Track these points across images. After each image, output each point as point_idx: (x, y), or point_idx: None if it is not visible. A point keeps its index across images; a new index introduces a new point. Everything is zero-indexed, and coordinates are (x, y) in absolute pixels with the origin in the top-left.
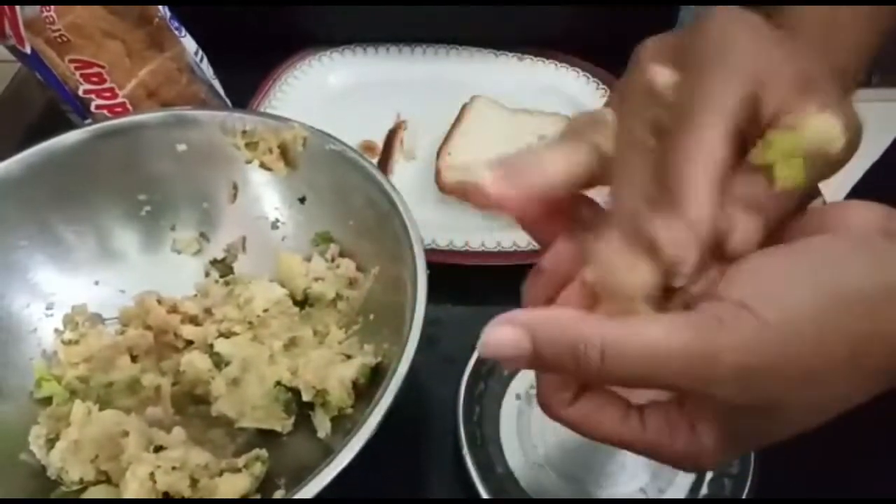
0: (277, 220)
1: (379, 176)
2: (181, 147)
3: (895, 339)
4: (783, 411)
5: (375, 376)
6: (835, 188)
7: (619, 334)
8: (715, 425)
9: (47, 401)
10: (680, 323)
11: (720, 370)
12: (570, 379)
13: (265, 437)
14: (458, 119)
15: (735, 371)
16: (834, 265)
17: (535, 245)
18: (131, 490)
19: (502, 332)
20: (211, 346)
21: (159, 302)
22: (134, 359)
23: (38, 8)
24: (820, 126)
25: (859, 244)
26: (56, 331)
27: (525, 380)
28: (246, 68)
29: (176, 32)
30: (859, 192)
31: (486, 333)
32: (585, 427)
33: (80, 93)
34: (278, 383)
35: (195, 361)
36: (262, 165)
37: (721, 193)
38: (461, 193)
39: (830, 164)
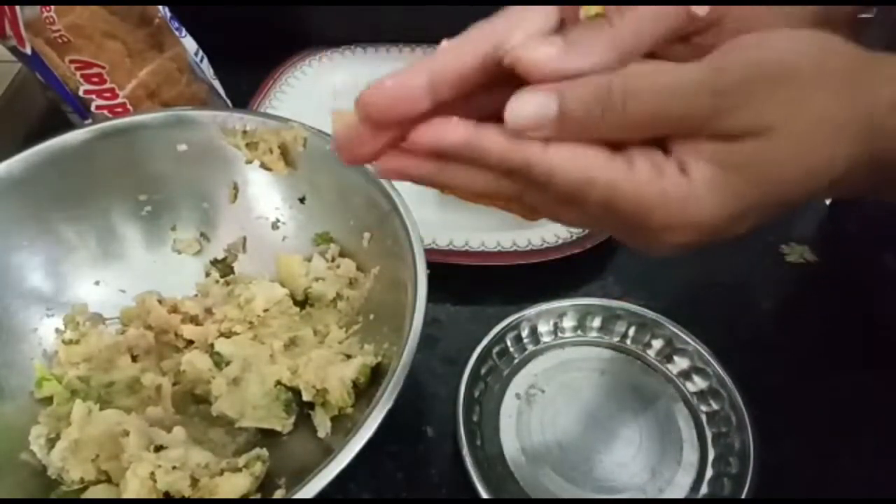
0: (278, 220)
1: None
2: (181, 147)
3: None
4: (778, 139)
5: (375, 376)
6: None
7: (639, 74)
8: (709, 164)
9: (48, 400)
10: (691, 64)
11: (727, 78)
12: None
13: (265, 436)
14: None
15: (740, 81)
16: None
17: (535, 245)
18: (131, 489)
19: (529, 98)
20: (211, 345)
21: (160, 302)
22: (134, 358)
23: (38, 8)
24: None
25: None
26: (57, 330)
27: (525, 380)
28: (246, 68)
29: (176, 33)
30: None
31: (512, 104)
32: (572, 166)
33: (81, 93)
34: (279, 383)
35: (195, 361)
36: (263, 165)
37: None
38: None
39: None
